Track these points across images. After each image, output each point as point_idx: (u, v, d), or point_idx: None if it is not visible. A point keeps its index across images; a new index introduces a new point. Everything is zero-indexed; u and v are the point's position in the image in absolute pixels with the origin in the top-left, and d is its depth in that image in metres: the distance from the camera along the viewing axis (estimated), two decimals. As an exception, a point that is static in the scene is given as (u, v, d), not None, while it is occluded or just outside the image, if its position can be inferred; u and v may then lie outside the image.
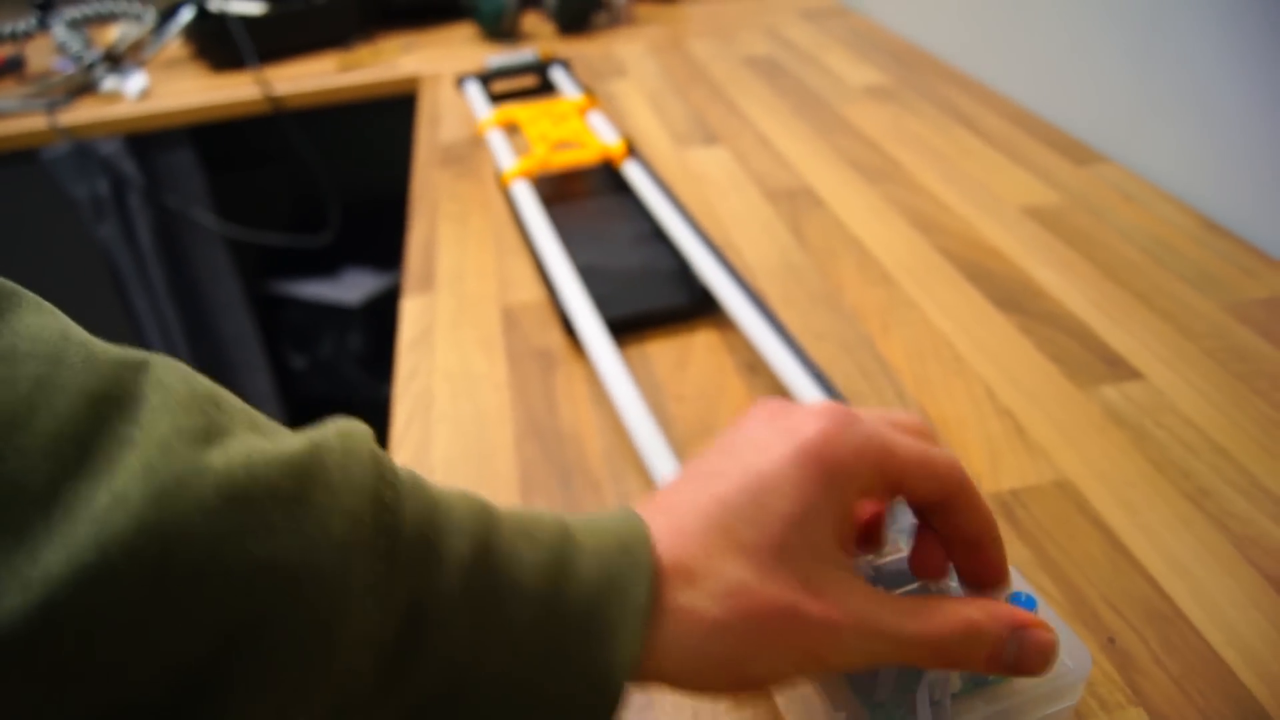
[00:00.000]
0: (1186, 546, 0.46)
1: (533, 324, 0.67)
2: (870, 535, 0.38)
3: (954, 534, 0.34)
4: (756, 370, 0.61)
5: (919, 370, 0.60)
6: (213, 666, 0.24)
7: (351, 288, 1.62)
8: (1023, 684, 0.32)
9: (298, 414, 1.65)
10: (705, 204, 0.83)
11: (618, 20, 1.39)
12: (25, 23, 1.45)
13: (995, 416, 0.56)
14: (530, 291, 0.71)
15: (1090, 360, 0.60)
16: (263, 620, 0.24)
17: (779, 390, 0.58)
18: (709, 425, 0.57)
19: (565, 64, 1.09)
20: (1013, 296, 0.67)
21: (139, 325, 1.48)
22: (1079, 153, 0.88)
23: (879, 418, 0.34)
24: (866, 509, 0.38)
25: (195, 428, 0.25)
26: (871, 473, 0.31)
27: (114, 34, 1.40)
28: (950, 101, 1.01)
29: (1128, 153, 0.86)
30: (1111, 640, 0.42)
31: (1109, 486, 0.50)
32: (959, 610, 0.31)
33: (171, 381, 0.26)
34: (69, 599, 0.22)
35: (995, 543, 0.34)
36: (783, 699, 0.37)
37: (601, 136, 0.92)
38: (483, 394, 0.61)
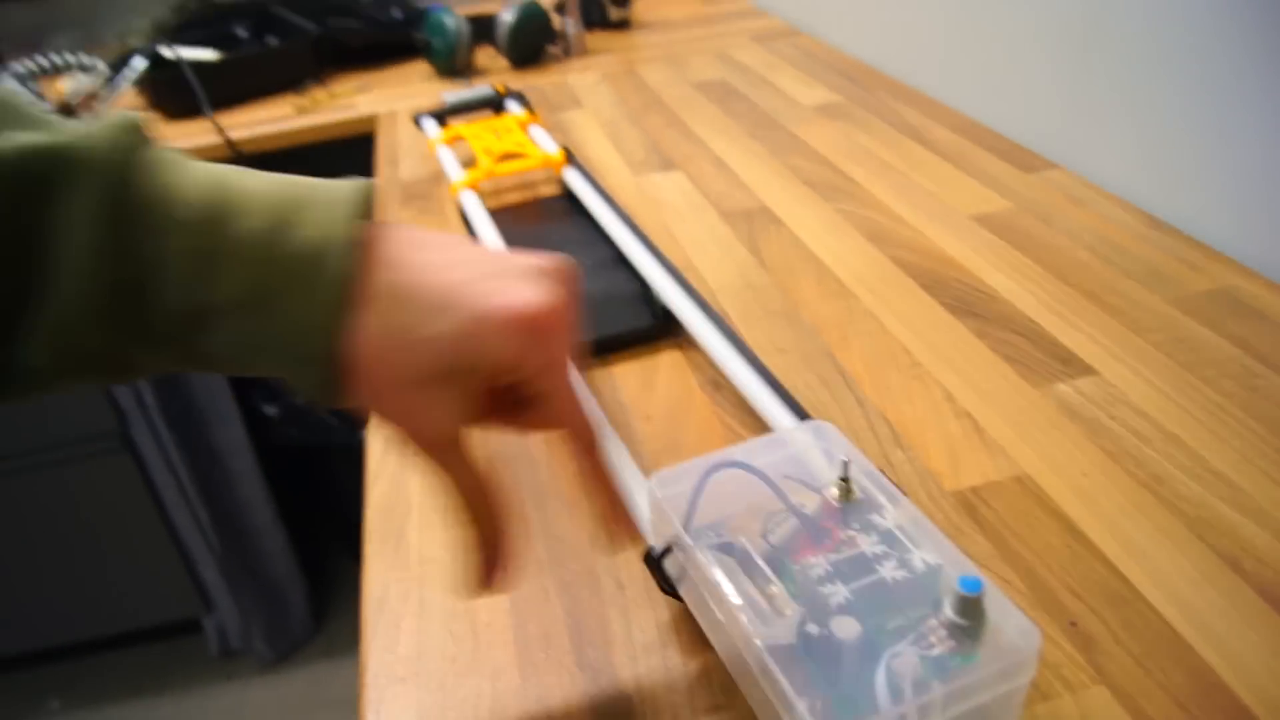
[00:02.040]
0: (1142, 531, 0.48)
1: (500, 353, 0.68)
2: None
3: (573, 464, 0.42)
4: (720, 387, 0.62)
5: (879, 378, 0.62)
6: (15, 300, 0.33)
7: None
8: (978, 665, 0.34)
9: (272, 463, 1.64)
10: (664, 228, 0.84)
11: (570, 52, 1.41)
12: (-22, 80, 1.45)
13: (954, 418, 0.57)
14: (496, 321, 0.72)
15: (1044, 359, 0.62)
16: (39, 266, 0.32)
17: (743, 406, 0.60)
18: (677, 442, 0.58)
19: (521, 96, 1.10)
20: (967, 302, 0.69)
21: (108, 378, 1.47)
22: (1027, 160, 0.90)
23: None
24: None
25: None
26: (519, 379, 0.38)
27: (66, 87, 1.40)
28: (900, 116, 1.04)
29: (1074, 157, 0.88)
30: (1073, 624, 0.43)
31: (1065, 479, 0.52)
32: (472, 489, 0.39)
33: None
34: None
35: (595, 490, 0.42)
36: (746, 686, 0.38)
37: (543, 147, 0.97)
38: (454, 423, 0.62)
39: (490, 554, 0.40)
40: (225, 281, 0.34)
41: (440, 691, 0.44)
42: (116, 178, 0.33)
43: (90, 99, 1.35)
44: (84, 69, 1.43)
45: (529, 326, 0.36)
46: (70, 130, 0.34)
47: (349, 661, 1.75)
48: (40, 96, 1.39)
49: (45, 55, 1.46)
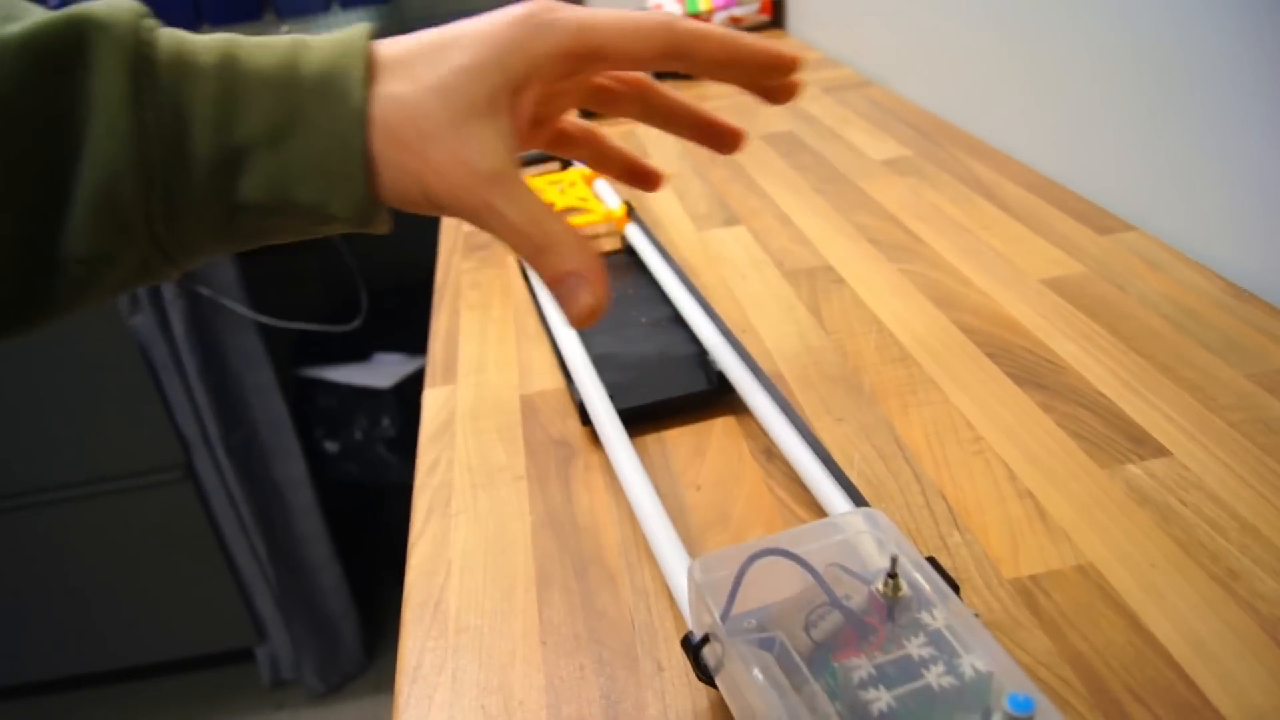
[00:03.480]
0: (1214, 631, 0.45)
1: (551, 413, 0.68)
2: (625, 167, 0.52)
3: (706, 70, 0.41)
4: (773, 456, 0.60)
5: (938, 452, 0.59)
6: (56, 178, 0.34)
7: (382, 372, 1.64)
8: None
9: (331, 497, 1.66)
10: (724, 285, 0.83)
11: (640, 101, 1.41)
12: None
13: (1016, 499, 0.55)
14: (550, 380, 0.72)
15: (1113, 437, 0.59)
16: (74, 132, 0.34)
17: (795, 477, 0.58)
18: (725, 514, 0.56)
19: (587, 147, 1.10)
20: (1034, 373, 0.66)
21: (172, 413, 1.50)
22: (1102, 220, 0.87)
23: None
24: (598, 143, 0.50)
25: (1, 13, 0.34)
26: (558, 48, 0.38)
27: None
28: (971, 171, 1.02)
29: (1152, 219, 0.85)
30: (1136, 735, 0.41)
31: (1133, 570, 0.49)
32: (535, 218, 0.38)
33: None
34: None
35: (745, 55, 0.40)
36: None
37: (606, 202, 0.96)
38: (501, 485, 0.61)
39: (575, 280, 0.39)
40: (252, 116, 0.36)
41: (469, 773, 0.43)
42: (139, 36, 0.35)
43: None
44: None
45: (536, 14, 0.38)
46: (76, 5, 0.35)
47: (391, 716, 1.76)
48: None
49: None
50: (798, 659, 0.37)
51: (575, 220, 0.91)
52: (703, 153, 1.18)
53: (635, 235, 0.88)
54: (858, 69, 1.48)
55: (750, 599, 0.41)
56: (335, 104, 0.37)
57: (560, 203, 0.94)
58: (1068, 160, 0.97)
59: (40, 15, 0.34)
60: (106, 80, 0.34)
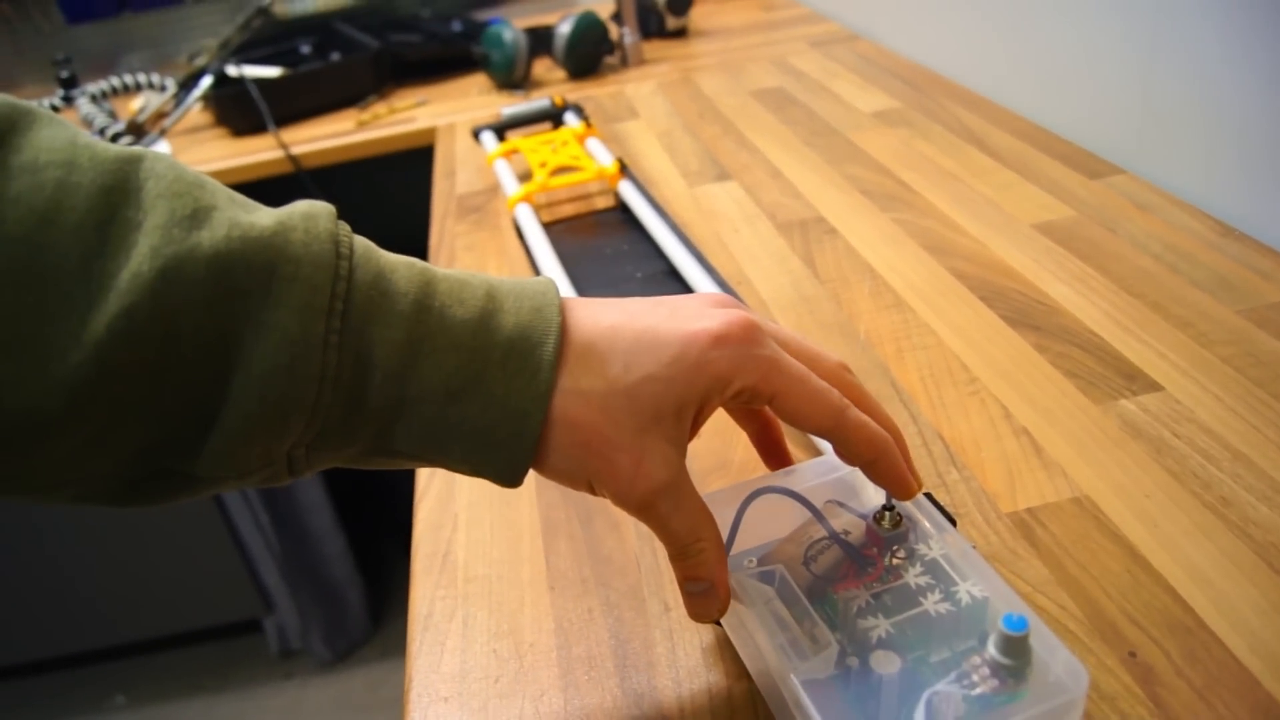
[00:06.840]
0: (1208, 557, 0.46)
1: (550, 368, 0.68)
2: (773, 450, 0.46)
3: (847, 456, 0.39)
4: (771, 402, 0.61)
5: (934, 394, 0.60)
6: (212, 398, 0.32)
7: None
8: (1023, 705, 0.32)
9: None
10: (717, 239, 0.83)
11: (627, 62, 1.41)
12: (51, 98, 1.50)
13: (1012, 436, 0.56)
14: (547, 336, 0.72)
15: (1106, 374, 0.60)
16: (245, 360, 0.31)
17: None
18: (725, 459, 0.57)
19: (578, 108, 1.10)
20: (1027, 314, 0.67)
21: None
22: (1091, 165, 0.88)
23: (791, 342, 0.40)
24: (768, 428, 0.45)
25: (186, 211, 0.31)
26: (745, 386, 0.37)
27: (136, 105, 1.44)
28: (960, 121, 1.02)
29: (1140, 162, 0.86)
30: (1132, 654, 0.42)
31: (1127, 500, 0.50)
32: (694, 529, 0.37)
33: (162, 170, 0.32)
34: (111, 353, 0.29)
35: (883, 463, 0.39)
36: (783, 718, 0.38)
37: (598, 160, 0.96)
38: (503, 440, 0.62)
39: (709, 590, 0.38)
40: (431, 374, 0.35)
41: (482, 712, 0.44)
42: (336, 272, 0.33)
43: (159, 116, 1.38)
44: (154, 88, 1.46)
45: (737, 339, 0.37)
46: (271, 217, 0.33)
47: (405, 663, 1.77)
48: (113, 115, 1.42)
49: (119, 75, 1.50)
50: (798, 590, 0.38)
51: (568, 179, 0.91)
52: (693, 109, 1.18)
53: (628, 191, 0.89)
54: (844, 23, 1.48)
55: (750, 537, 0.42)
56: (520, 379, 0.35)
57: (553, 161, 0.94)
58: (1057, 107, 0.98)
59: (229, 230, 0.31)
60: (293, 317, 0.32)
